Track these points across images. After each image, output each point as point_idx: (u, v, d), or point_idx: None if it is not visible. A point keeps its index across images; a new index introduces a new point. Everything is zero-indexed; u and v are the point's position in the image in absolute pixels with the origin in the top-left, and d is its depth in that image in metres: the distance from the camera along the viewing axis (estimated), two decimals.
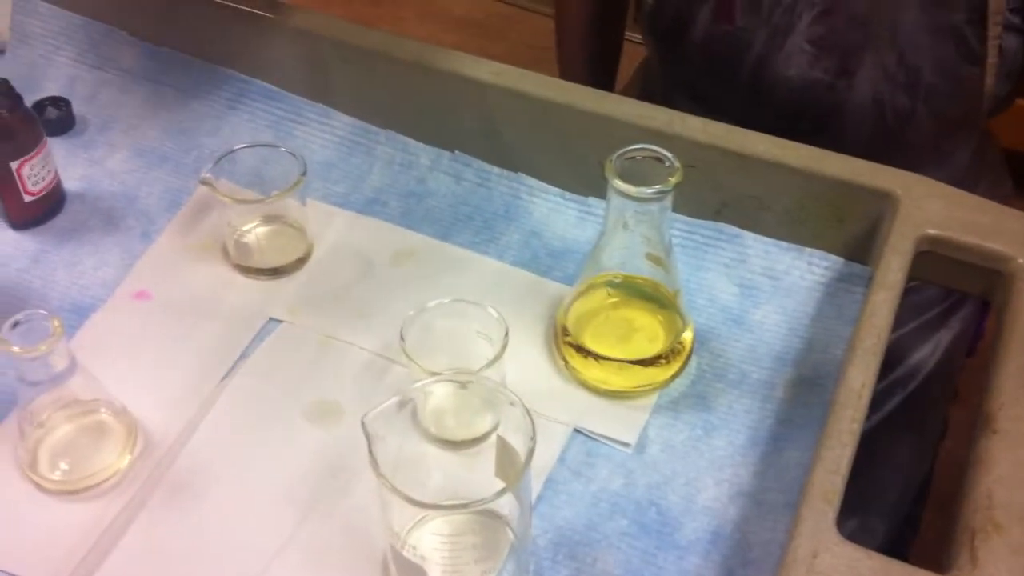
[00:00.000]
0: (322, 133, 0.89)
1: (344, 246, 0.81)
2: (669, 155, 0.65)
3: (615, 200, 0.66)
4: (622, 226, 0.67)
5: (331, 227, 0.82)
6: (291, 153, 0.77)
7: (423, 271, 0.79)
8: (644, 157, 0.66)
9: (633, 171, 0.65)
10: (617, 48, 1.15)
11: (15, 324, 0.61)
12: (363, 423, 0.56)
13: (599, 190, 0.81)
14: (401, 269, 0.79)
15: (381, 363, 0.73)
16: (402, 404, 0.59)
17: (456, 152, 0.86)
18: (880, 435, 0.98)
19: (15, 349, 0.61)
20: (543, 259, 0.80)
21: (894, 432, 1.00)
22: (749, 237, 0.80)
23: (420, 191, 0.85)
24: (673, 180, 0.64)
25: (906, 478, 1.02)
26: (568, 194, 0.84)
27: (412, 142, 0.87)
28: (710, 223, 0.80)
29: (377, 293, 0.78)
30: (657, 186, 0.64)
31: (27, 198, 0.79)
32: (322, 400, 0.71)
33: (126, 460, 0.67)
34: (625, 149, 0.66)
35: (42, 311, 0.62)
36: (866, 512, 0.98)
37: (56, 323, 0.62)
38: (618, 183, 0.64)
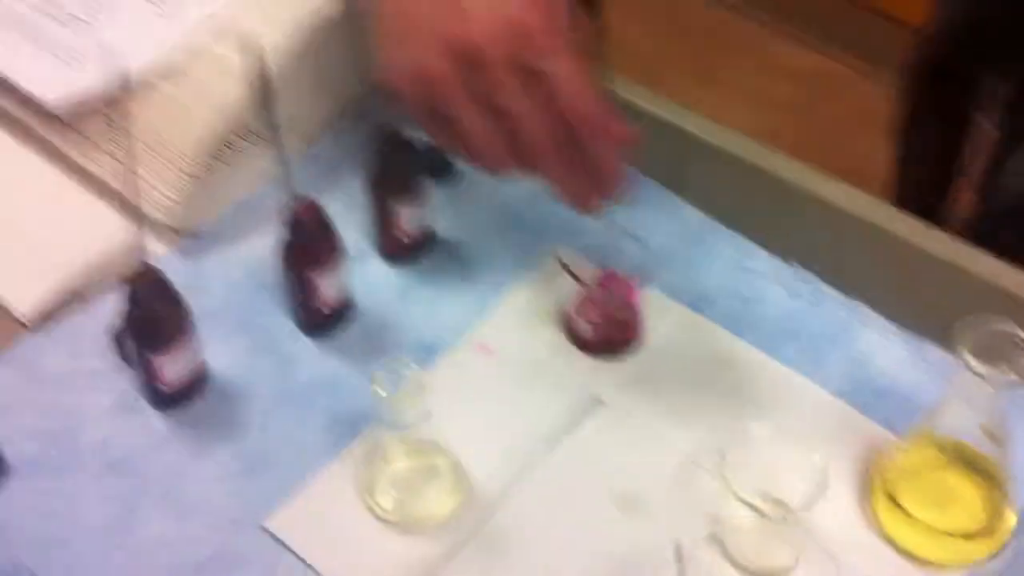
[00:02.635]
0: (670, 223, 0.92)
1: (673, 340, 0.84)
2: None
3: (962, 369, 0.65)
4: (964, 392, 0.67)
5: (663, 318, 0.85)
6: (637, 239, 0.81)
7: (746, 383, 0.81)
8: (998, 330, 0.65)
9: (985, 341, 0.64)
10: None
11: (385, 367, 0.68)
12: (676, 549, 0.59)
13: (934, 334, 0.80)
14: (724, 375, 0.82)
15: (692, 469, 0.76)
16: (712, 539, 0.61)
17: (794, 264, 0.88)
18: None
19: (383, 394, 0.68)
20: (866, 395, 0.80)
21: None
22: None
23: (751, 297, 0.87)
24: None
25: None
26: (904, 332, 0.83)
27: (755, 247, 0.89)
28: None
29: (698, 395, 0.80)
30: (1013, 376, 0.63)
31: (401, 237, 0.87)
32: (630, 490, 0.75)
33: (450, 507, 0.73)
34: (978, 319, 0.65)
35: (413, 365, 0.68)
36: None
37: (423, 379, 0.68)
38: (971, 361, 0.63)
